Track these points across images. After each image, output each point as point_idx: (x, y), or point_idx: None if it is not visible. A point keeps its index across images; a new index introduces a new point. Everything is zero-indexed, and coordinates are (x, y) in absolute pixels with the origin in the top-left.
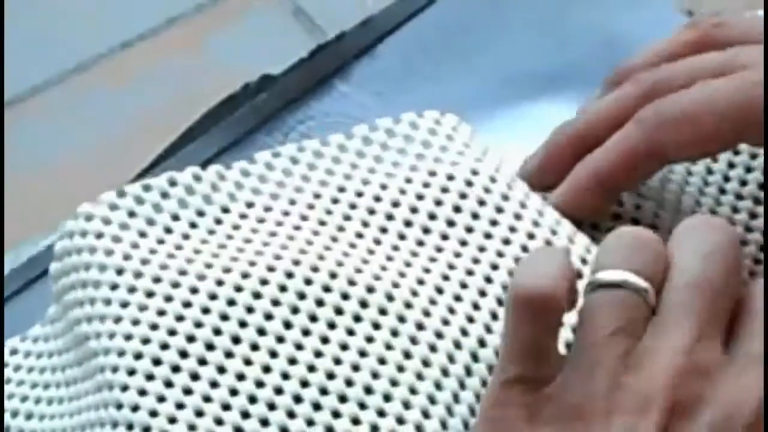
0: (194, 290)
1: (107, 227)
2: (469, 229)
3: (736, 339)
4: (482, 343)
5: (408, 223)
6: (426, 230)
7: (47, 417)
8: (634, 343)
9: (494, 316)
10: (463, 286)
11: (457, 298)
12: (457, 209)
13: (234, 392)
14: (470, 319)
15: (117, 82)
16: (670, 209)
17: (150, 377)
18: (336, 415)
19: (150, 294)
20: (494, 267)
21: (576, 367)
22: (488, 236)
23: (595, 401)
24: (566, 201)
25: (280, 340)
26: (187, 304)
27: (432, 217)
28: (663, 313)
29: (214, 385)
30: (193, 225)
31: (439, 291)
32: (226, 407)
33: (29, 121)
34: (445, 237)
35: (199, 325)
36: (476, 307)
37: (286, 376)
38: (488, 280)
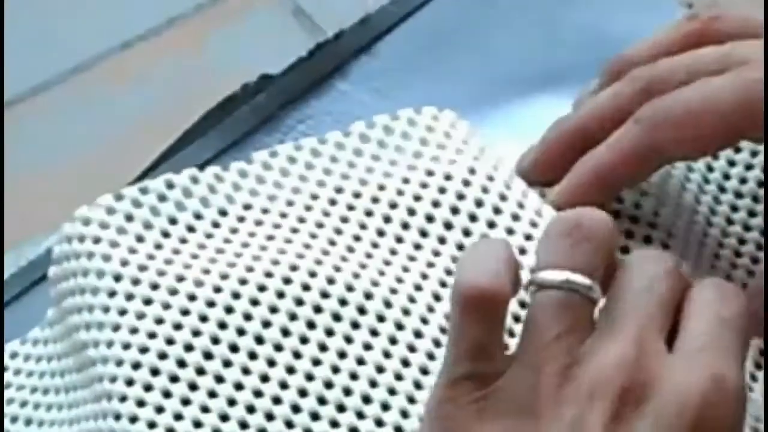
0: (192, 297)
1: (104, 231)
2: (467, 232)
3: (678, 337)
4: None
5: (405, 226)
6: (423, 233)
7: (46, 423)
8: (580, 340)
9: None
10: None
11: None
12: (454, 211)
13: (232, 402)
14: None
15: (117, 82)
16: (671, 207)
17: (148, 388)
18: (334, 424)
19: (148, 301)
20: None
21: (524, 365)
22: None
23: (545, 395)
24: (566, 200)
25: (278, 348)
26: (185, 312)
27: (429, 219)
28: (610, 307)
29: (212, 395)
30: (190, 229)
31: (437, 298)
32: (224, 418)
33: (29, 121)
34: (442, 240)
35: (197, 333)
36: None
37: (284, 385)
38: None
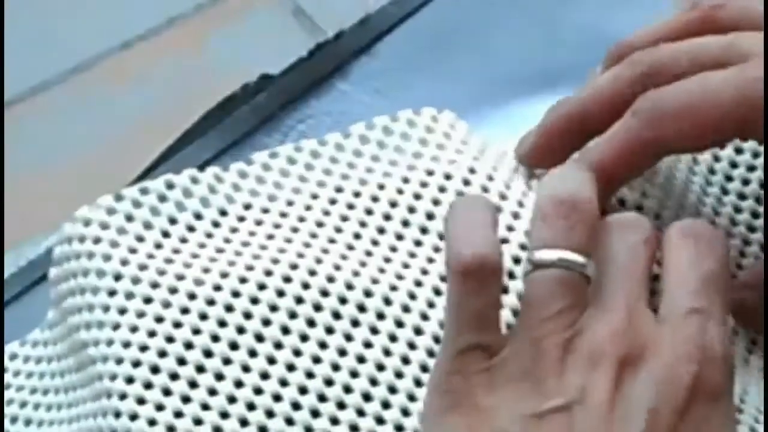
0: (192, 296)
1: (105, 232)
2: None
3: (663, 303)
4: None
5: (406, 223)
6: (424, 230)
7: (46, 423)
8: (578, 314)
9: None
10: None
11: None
12: None
13: (232, 400)
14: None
15: (117, 82)
16: (673, 209)
17: (148, 385)
18: (334, 422)
19: (148, 300)
20: None
21: (526, 339)
22: None
23: (549, 364)
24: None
25: (278, 346)
26: (184, 311)
27: (430, 217)
28: (599, 281)
29: (212, 393)
30: (190, 228)
31: (437, 292)
32: (224, 415)
33: (29, 121)
34: (443, 237)
35: (197, 331)
36: None
37: (284, 383)
38: None
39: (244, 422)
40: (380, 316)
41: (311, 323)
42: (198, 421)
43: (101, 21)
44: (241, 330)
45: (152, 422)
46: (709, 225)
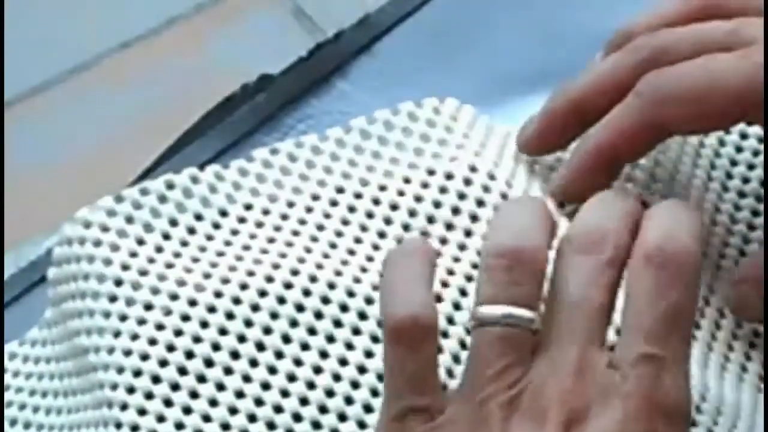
0: (193, 303)
1: (105, 235)
2: (468, 233)
3: (618, 344)
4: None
5: (406, 227)
6: (425, 234)
7: (46, 427)
8: (523, 370)
9: None
10: (463, 293)
11: (456, 306)
12: (455, 211)
13: (233, 411)
14: (469, 331)
15: (117, 82)
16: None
17: (149, 396)
18: None
19: (149, 307)
20: None
21: (469, 399)
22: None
23: (492, 427)
24: (569, 184)
25: (279, 355)
26: (185, 318)
27: (431, 220)
28: (548, 333)
29: (213, 403)
30: (191, 231)
31: (438, 299)
32: (226, 427)
33: (29, 121)
34: (444, 241)
35: (197, 340)
36: None
37: (285, 393)
38: None
39: None
40: (381, 324)
41: (312, 331)
42: None
43: (101, 21)
44: (241, 338)
45: None
46: (685, 240)
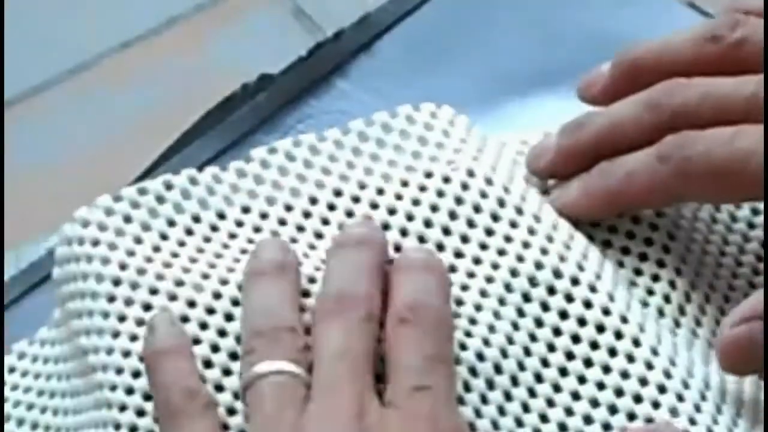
0: (191, 303)
1: (103, 234)
2: (465, 239)
3: (387, 388)
4: (480, 357)
5: (404, 233)
6: (421, 239)
7: (53, 428)
8: (301, 413)
9: (491, 329)
10: (459, 303)
11: (455, 316)
12: (452, 215)
13: (231, 412)
14: (468, 334)
15: (117, 82)
16: (673, 208)
17: (148, 397)
18: None
19: (147, 307)
20: (489, 280)
21: None
22: (484, 247)
23: None
24: (575, 212)
25: None
26: (184, 319)
27: (428, 224)
28: (318, 386)
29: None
30: (189, 231)
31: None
32: (225, 427)
33: (29, 121)
34: (440, 247)
35: (196, 341)
36: (473, 321)
37: None
38: (483, 294)
39: None
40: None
41: (307, 332)
42: None
43: (101, 21)
44: (239, 339)
45: None
46: (433, 302)
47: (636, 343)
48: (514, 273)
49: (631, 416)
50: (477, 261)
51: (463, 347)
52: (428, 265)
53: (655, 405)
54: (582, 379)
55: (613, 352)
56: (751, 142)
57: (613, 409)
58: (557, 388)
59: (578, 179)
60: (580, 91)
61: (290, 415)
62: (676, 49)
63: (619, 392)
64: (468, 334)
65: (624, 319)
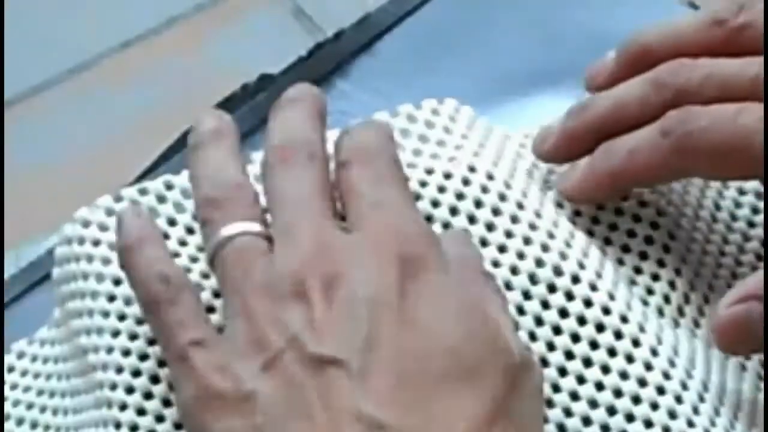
0: None
1: (104, 234)
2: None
3: (347, 218)
4: None
5: None
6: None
7: (52, 428)
8: (267, 263)
9: None
10: None
11: None
12: (453, 211)
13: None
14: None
15: (117, 82)
16: (674, 206)
17: (148, 395)
18: None
19: None
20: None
21: (231, 314)
22: (484, 243)
23: (261, 321)
24: (578, 195)
25: None
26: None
27: (429, 219)
28: (277, 229)
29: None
30: (189, 231)
31: None
32: (210, 309)
33: (29, 121)
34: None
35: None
36: None
37: None
38: None
39: None
40: None
41: None
42: None
43: (101, 21)
44: None
45: None
46: (373, 138)
47: (636, 343)
48: (514, 271)
49: (630, 417)
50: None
51: None
52: (366, 123)
53: (654, 406)
54: (581, 379)
55: (612, 352)
56: (755, 119)
57: (611, 411)
58: (556, 388)
59: (583, 161)
60: (587, 81)
61: (259, 274)
62: (681, 33)
63: (618, 393)
64: None
65: (624, 319)
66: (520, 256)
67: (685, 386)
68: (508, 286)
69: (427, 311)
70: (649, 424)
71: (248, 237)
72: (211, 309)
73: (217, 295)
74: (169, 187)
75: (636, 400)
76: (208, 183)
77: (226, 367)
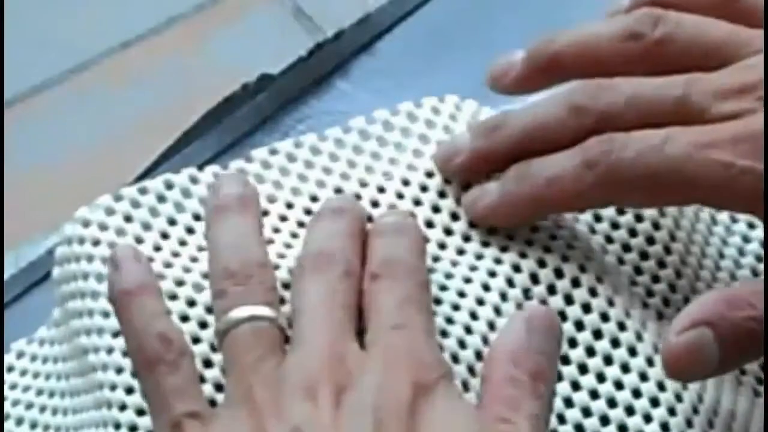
0: (191, 303)
1: (104, 233)
2: (467, 238)
3: (367, 336)
4: (479, 356)
5: None
6: (424, 239)
7: (52, 428)
8: (278, 361)
9: (491, 326)
10: (461, 295)
11: (455, 307)
12: (454, 216)
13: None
14: (468, 330)
15: (117, 82)
16: (672, 215)
17: None
18: None
19: None
20: (491, 274)
21: (235, 395)
22: (486, 244)
23: (263, 409)
24: (492, 215)
25: None
26: (184, 318)
27: (429, 224)
28: (296, 337)
29: (212, 404)
30: (189, 230)
31: (438, 302)
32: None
33: (29, 121)
34: (442, 246)
35: (196, 340)
36: (474, 316)
37: None
38: (485, 288)
39: None
40: None
41: None
42: None
43: (101, 21)
44: None
45: None
46: (405, 256)
47: (632, 352)
48: (516, 268)
49: (622, 428)
50: (479, 257)
51: (462, 345)
52: (400, 227)
53: (647, 418)
54: (576, 385)
55: (608, 360)
56: (682, 146)
57: (604, 420)
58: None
59: (496, 183)
60: (491, 79)
61: (269, 365)
62: (594, 44)
63: (612, 403)
64: (468, 330)
65: (622, 326)
66: (522, 255)
67: (679, 398)
68: (510, 284)
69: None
70: None
71: (264, 323)
72: (210, 309)
73: (209, 310)
74: (169, 186)
75: (630, 411)
76: (230, 254)
77: None
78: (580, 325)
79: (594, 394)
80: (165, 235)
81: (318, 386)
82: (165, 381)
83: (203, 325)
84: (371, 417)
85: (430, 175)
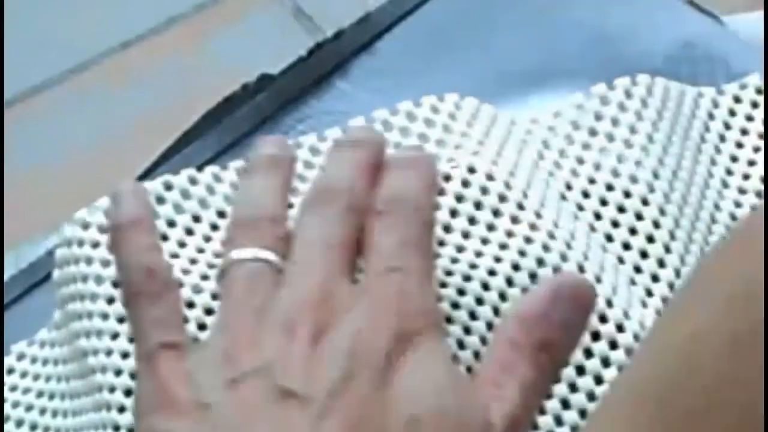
0: (190, 304)
1: (103, 236)
2: (466, 235)
3: (364, 275)
4: (477, 356)
5: None
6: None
7: (52, 430)
8: (269, 295)
9: (489, 326)
10: (461, 293)
11: (455, 306)
12: (453, 213)
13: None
14: (467, 330)
15: (117, 82)
16: (679, 191)
17: None
18: None
19: None
20: (492, 273)
21: (218, 326)
22: (485, 242)
23: (241, 339)
24: None
25: None
26: (183, 320)
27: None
28: (291, 269)
29: None
30: (189, 232)
31: (438, 299)
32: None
33: (29, 121)
34: (442, 243)
35: (195, 341)
36: (473, 316)
37: None
38: (486, 287)
39: None
40: None
41: None
42: None
43: (101, 21)
44: None
45: None
46: (411, 194)
47: (629, 353)
48: (516, 267)
49: None
50: (479, 254)
51: (462, 345)
52: (412, 161)
53: None
54: (573, 387)
55: (606, 363)
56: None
57: None
58: (548, 395)
59: None
60: None
61: (258, 299)
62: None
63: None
64: (467, 330)
65: (620, 328)
66: (522, 253)
67: None
68: (509, 283)
69: (407, 386)
70: None
71: (263, 264)
72: (209, 311)
73: (215, 297)
74: (168, 187)
75: None
76: (245, 208)
77: (190, 375)
78: None
79: (591, 397)
80: (164, 237)
81: (298, 323)
82: (145, 312)
83: (202, 327)
84: (344, 362)
85: None
